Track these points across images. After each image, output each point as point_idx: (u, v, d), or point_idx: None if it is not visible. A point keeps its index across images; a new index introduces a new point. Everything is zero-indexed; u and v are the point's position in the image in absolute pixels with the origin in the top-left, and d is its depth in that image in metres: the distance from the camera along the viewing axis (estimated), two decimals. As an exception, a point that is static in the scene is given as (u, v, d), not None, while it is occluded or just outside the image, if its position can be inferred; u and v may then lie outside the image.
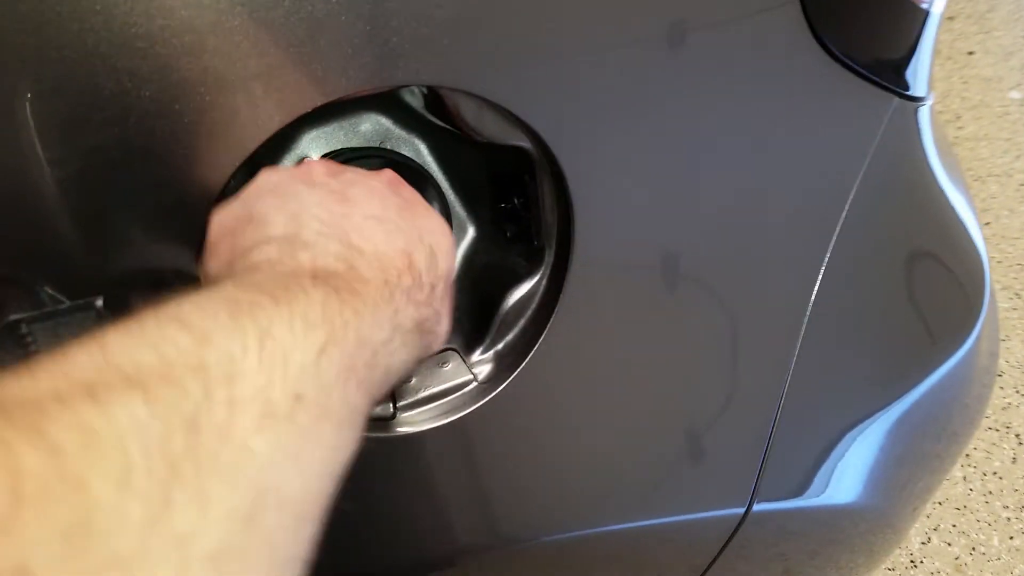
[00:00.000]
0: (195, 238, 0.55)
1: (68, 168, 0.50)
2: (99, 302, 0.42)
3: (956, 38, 2.45)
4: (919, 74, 0.75)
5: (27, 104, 0.48)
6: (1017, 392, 2.02)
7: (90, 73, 0.48)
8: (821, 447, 0.84)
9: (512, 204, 0.69)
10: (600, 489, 0.73)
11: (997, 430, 2.00)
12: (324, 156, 0.68)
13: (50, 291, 0.47)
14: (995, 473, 1.94)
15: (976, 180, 2.25)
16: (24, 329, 0.42)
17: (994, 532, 1.86)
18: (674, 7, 0.60)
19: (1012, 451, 1.97)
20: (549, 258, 0.67)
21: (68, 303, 0.43)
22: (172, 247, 0.55)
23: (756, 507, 0.81)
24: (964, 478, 1.93)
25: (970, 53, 2.31)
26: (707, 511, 0.79)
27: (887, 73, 0.72)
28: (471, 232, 0.73)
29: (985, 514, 1.88)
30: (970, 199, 0.95)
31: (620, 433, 0.72)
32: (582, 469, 0.72)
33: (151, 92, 0.50)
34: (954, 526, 1.88)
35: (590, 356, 0.68)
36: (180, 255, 0.55)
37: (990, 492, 1.91)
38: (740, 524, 0.81)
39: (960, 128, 2.30)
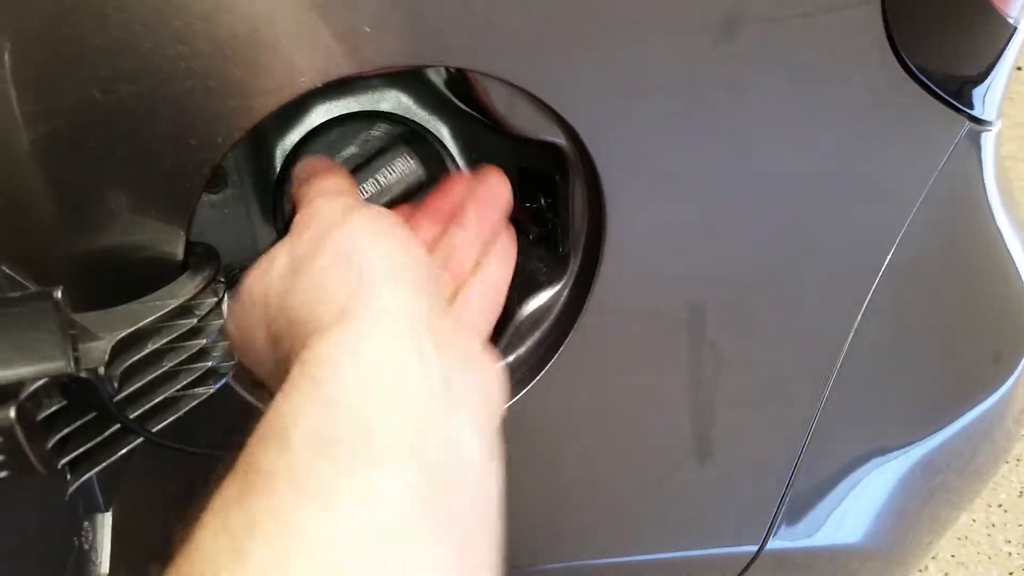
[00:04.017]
0: (184, 217, 0.49)
1: (45, 126, 0.45)
2: (58, 293, 0.36)
3: (1002, 51, 2.34)
4: (993, 97, 0.69)
5: (5, 53, 0.42)
6: (1030, 425, 1.97)
7: (78, 20, 0.42)
8: (843, 486, 0.79)
9: (539, 204, 0.63)
10: (610, 519, 0.68)
11: (1007, 462, 1.95)
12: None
13: (7, 271, 0.41)
14: (1000, 505, 1.89)
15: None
16: (-30, 316, 0.36)
17: (993, 566, 1.82)
18: (736, 13, 0.53)
19: (1020, 484, 1.92)
20: (574, 267, 0.61)
21: (22, 291, 0.37)
22: (156, 226, 0.49)
23: (770, 545, 0.77)
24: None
25: (1018, 68, 2.23)
26: (720, 547, 0.74)
27: (961, 93, 0.65)
28: None
29: (986, 547, 1.84)
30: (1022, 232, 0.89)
31: (635, 462, 0.67)
32: (593, 497, 0.67)
33: (148, 45, 0.44)
34: (953, 556, 1.83)
35: (609, 378, 0.63)
36: (165, 236, 0.49)
37: (993, 524, 1.87)
38: (751, 562, 0.76)
39: (999, 146, 2.23)
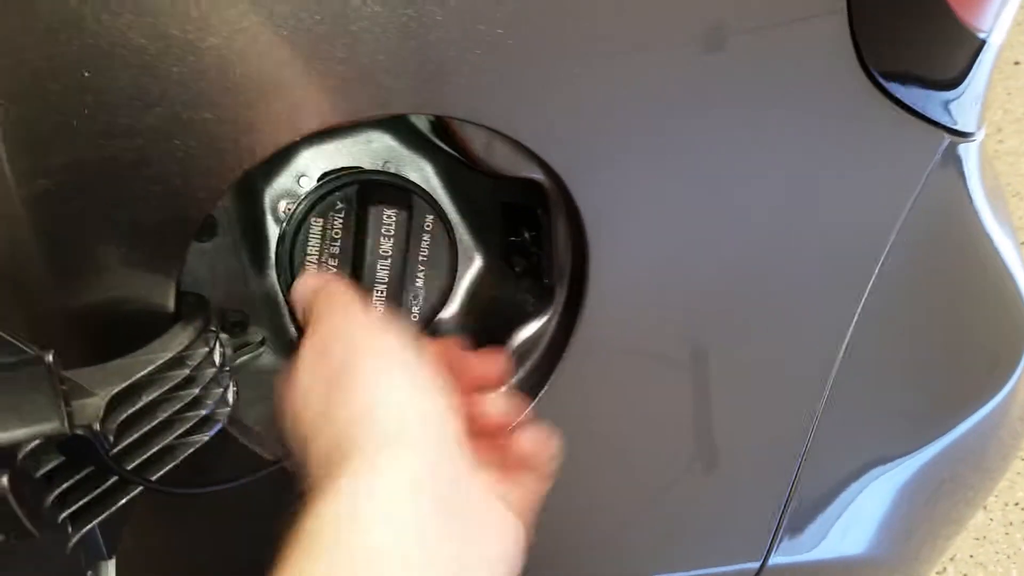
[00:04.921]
0: (174, 268, 0.50)
1: (38, 184, 0.46)
2: (49, 356, 0.38)
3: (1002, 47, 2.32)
4: (970, 108, 0.69)
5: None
6: (1044, 421, 1.95)
7: (70, 80, 0.44)
8: (845, 497, 0.79)
9: (523, 238, 0.64)
10: (609, 541, 0.69)
11: (1022, 459, 1.93)
12: (325, 175, 0.63)
13: (1, 333, 0.42)
14: (1017, 504, 1.88)
15: (1015, 196, 2.17)
16: (-38, 383, 0.37)
17: (1013, 565, 1.81)
18: (699, 31, 0.54)
19: (1036, 482, 1.91)
20: (560, 298, 0.62)
21: (16, 354, 0.38)
22: (147, 277, 0.50)
23: (772, 561, 0.77)
24: (985, 507, 1.86)
25: (1016, 63, 2.22)
26: (721, 566, 0.74)
27: (937, 107, 0.66)
28: (478, 262, 0.68)
29: (1005, 546, 1.82)
30: (1015, 238, 0.89)
31: (631, 484, 0.67)
32: (590, 521, 0.67)
33: (136, 105, 0.45)
34: (971, 556, 1.82)
35: (600, 404, 0.64)
36: (156, 287, 0.50)
37: (1011, 523, 1.85)
38: (753, 580, 0.77)
39: (1000, 142, 2.21)
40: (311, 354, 0.46)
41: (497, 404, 0.49)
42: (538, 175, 0.55)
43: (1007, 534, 1.83)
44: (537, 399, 0.61)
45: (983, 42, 0.64)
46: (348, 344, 0.45)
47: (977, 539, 1.82)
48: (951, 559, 1.80)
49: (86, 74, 0.44)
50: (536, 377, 0.63)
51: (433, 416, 0.42)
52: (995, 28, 0.64)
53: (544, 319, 0.63)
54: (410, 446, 0.40)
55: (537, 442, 0.48)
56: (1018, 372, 0.86)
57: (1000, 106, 2.26)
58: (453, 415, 0.43)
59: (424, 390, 0.43)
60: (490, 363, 0.51)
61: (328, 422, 0.42)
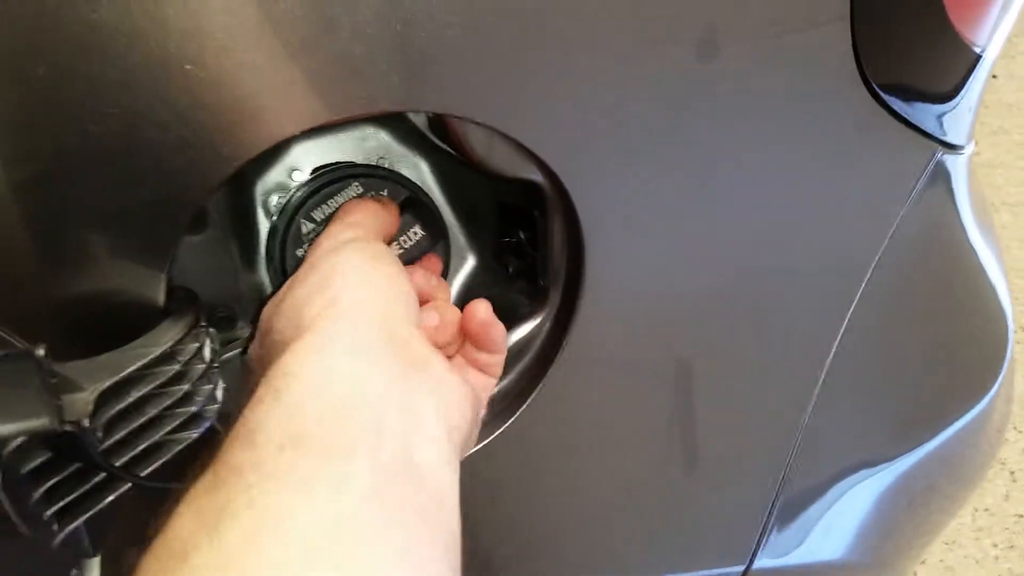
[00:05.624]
0: (164, 261, 0.49)
1: (25, 170, 0.45)
2: (40, 351, 0.37)
3: (980, 59, 2.35)
4: (963, 122, 0.70)
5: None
6: (1015, 428, 1.98)
7: (60, 63, 0.42)
8: (829, 501, 0.80)
9: (518, 238, 0.64)
10: (595, 544, 0.68)
11: (992, 466, 1.96)
12: (317, 170, 0.62)
13: (-10, 327, 0.41)
14: (987, 509, 1.90)
15: (989, 207, 2.20)
16: (-49, 377, 0.36)
17: (982, 569, 1.83)
18: (701, 37, 0.54)
19: (1005, 487, 1.93)
20: (554, 300, 0.61)
21: (5, 349, 0.37)
22: (137, 270, 0.49)
23: (757, 564, 0.77)
24: (955, 512, 1.89)
25: (994, 77, 2.25)
26: (706, 569, 0.75)
27: (929, 119, 0.66)
28: (471, 262, 0.68)
29: (974, 550, 1.85)
30: (999, 250, 0.90)
31: (619, 487, 0.67)
32: (577, 524, 0.67)
33: (128, 91, 0.44)
34: (941, 561, 1.84)
35: (592, 409, 0.63)
36: (145, 280, 0.49)
37: (980, 528, 1.87)
38: (737, 583, 0.77)
39: (976, 154, 2.25)
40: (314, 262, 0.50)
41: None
42: (537, 176, 0.55)
43: (976, 539, 1.85)
44: (529, 401, 0.61)
45: (979, 56, 0.64)
46: (328, 245, 0.50)
47: (947, 543, 1.84)
48: (922, 563, 1.81)
49: (78, 57, 0.43)
50: (527, 379, 0.63)
51: (397, 292, 0.47)
52: (991, 43, 0.64)
53: (537, 321, 0.62)
54: (374, 307, 0.45)
55: (488, 317, 0.51)
56: (998, 384, 0.87)
57: (977, 119, 2.29)
58: (412, 301, 0.48)
59: (392, 277, 0.48)
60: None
61: (291, 301, 0.46)
